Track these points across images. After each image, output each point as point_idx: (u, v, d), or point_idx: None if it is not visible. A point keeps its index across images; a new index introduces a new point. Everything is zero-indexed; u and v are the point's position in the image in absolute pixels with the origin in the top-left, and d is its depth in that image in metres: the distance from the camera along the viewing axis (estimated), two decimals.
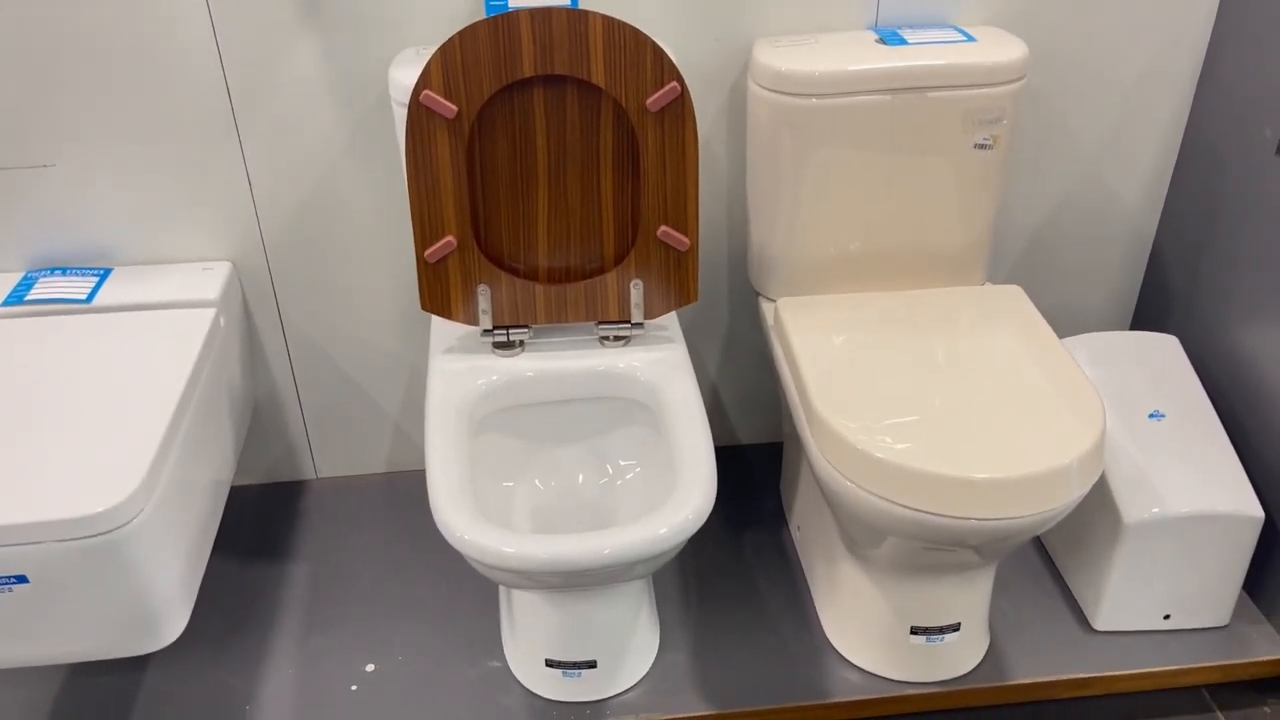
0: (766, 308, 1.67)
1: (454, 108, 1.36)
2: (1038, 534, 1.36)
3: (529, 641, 1.55)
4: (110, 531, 1.21)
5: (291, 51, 1.55)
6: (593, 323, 1.53)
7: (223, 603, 1.73)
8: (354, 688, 1.59)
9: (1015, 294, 1.63)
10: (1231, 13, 1.66)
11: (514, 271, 1.50)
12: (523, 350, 1.53)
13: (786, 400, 1.55)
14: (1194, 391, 1.68)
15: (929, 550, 1.41)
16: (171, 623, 1.34)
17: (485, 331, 1.52)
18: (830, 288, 1.65)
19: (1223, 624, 1.64)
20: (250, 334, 1.79)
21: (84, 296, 1.60)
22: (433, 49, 1.48)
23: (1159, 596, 1.60)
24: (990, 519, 1.28)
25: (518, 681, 1.58)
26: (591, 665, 1.52)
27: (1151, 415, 1.64)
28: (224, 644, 1.66)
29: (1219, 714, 1.58)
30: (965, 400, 1.39)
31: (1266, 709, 1.59)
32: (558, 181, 1.45)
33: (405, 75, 1.44)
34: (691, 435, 1.37)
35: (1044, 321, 1.55)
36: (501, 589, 1.71)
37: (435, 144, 1.38)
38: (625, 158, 1.44)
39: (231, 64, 1.55)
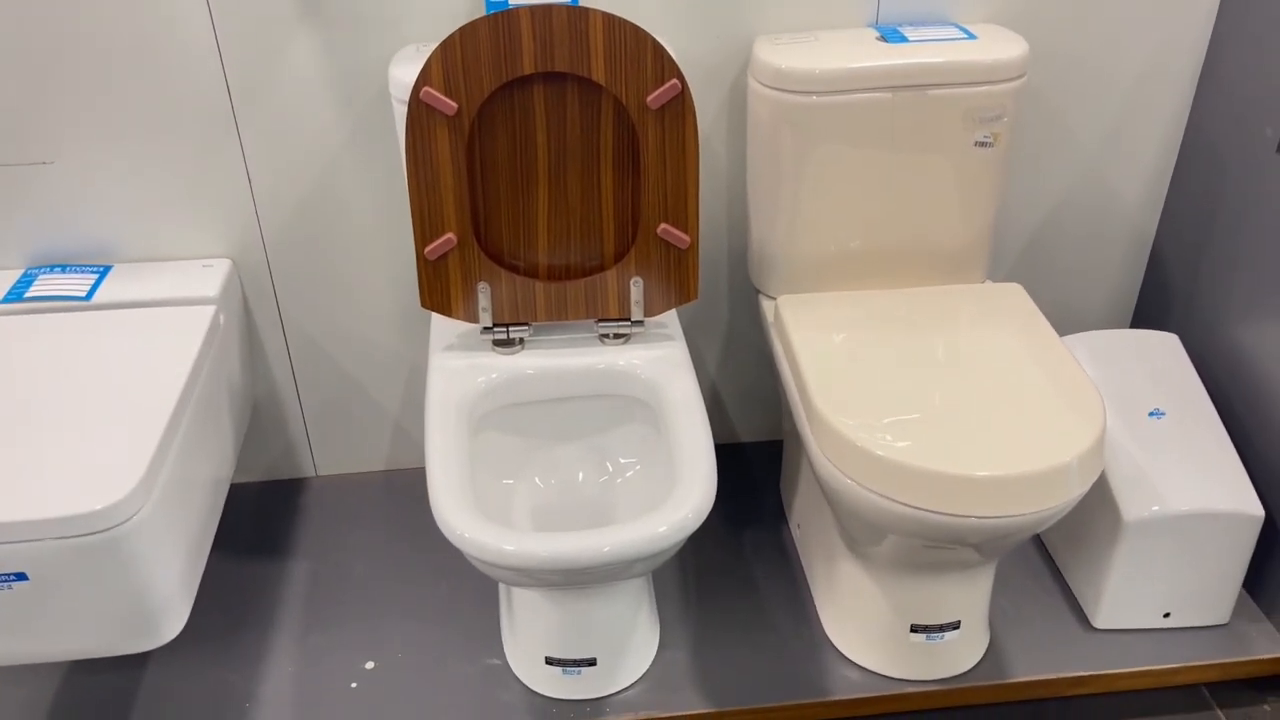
0: (767, 305, 1.67)
1: (454, 105, 1.36)
2: (1038, 532, 1.35)
3: (529, 639, 1.55)
4: (110, 529, 1.21)
5: (291, 48, 1.55)
6: (593, 320, 1.53)
7: (222, 600, 1.73)
8: (354, 685, 1.59)
9: (1016, 292, 1.63)
10: (1231, 12, 1.66)
11: (514, 269, 1.50)
12: (523, 348, 1.53)
13: (786, 398, 1.55)
14: (1194, 389, 1.68)
15: (929, 548, 1.41)
16: (171, 620, 1.34)
17: (485, 329, 1.52)
18: (830, 285, 1.65)
19: (1223, 622, 1.64)
20: (250, 331, 1.79)
21: (83, 294, 1.60)
22: (433, 46, 1.48)
23: (1159, 595, 1.60)
24: (990, 517, 1.28)
25: (517, 679, 1.58)
26: (591, 663, 1.52)
27: (1152, 413, 1.64)
28: (224, 642, 1.66)
29: (1219, 712, 1.58)
30: (965, 398, 1.39)
31: (1266, 707, 1.59)
32: (558, 179, 1.45)
33: (405, 72, 1.44)
34: (691, 433, 1.37)
35: (1044, 319, 1.55)
36: (501, 587, 1.71)
37: (435, 141, 1.38)
38: (625, 155, 1.44)
39: (231, 61, 1.55)
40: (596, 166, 1.44)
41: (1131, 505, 1.53)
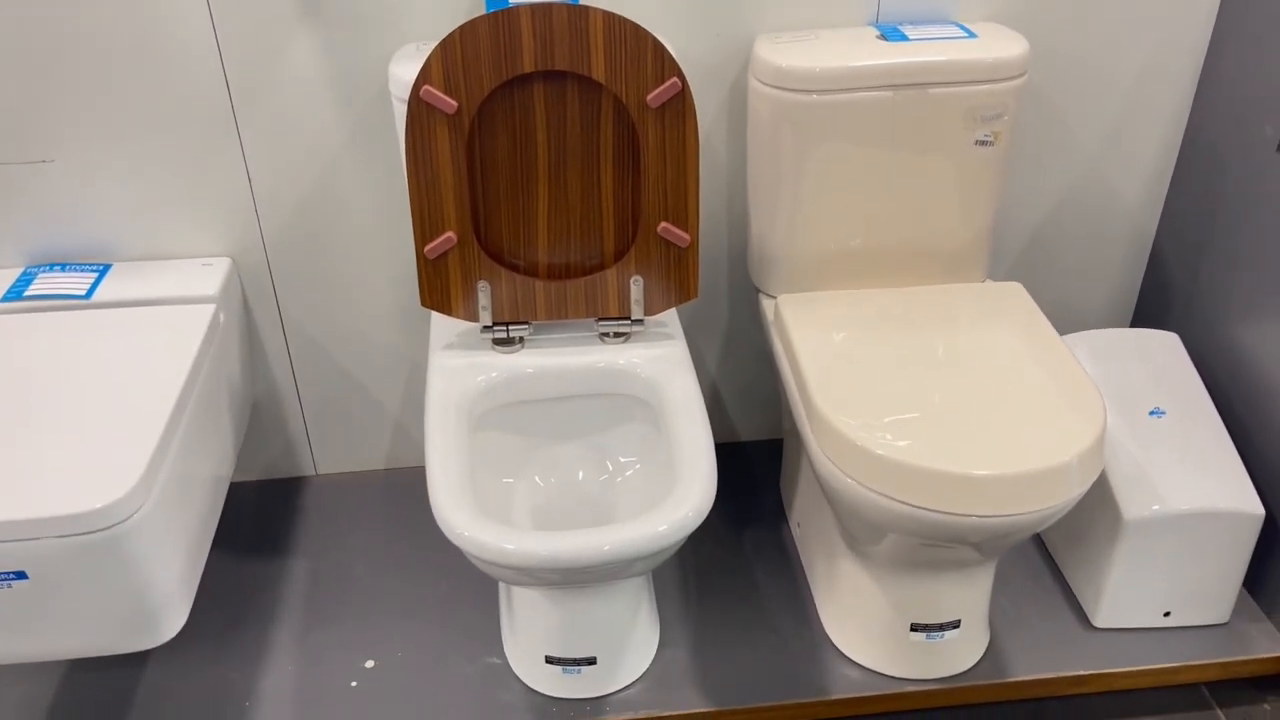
0: (767, 304, 1.67)
1: (454, 103, 1.36)
2: (1038, 531, 1.36)
3: (529, 638, 1.55)
4: (109, 527, 1.21)
5: (291, 47, 1.55)
6: (593, 319, 1.53)
7: (222, 599, 1.73)
8: (353, 684, 1.59)
9: (1016, 291, 1.63)
10: (1231, 12, 1.66)
11: (514, 268, 1.50)
12: (523, 347, 1.53)
13: (787, 397, 1.55)
14: (1194, 388, 1.68)
15: (929, 547, 1.41)
16: (171, 619, 1.34)
17: (485, 328, 1.52)
18: (831, 284, 1.65)
19: (1223, 621, 1.64)
20: (249, 330, 1.79)
21: (83, 292, 1.60)
22: (433, 44, 1.48)
23: (1159, 593, 1.60)
24: (990, 516, 1.28)
25: (517, 678, 1.58)
26: (591, 662, 1.52)
27: (1152, 412, 1.64)
28: (224, 640, 1.66)
29: (1219, 711, 1.58)
30: (966, 397, 1.39)
31: (1266, 706, 1.59)
32: (558, 177, 1.45)
33: (405, 71, 1.44)
34: (691, 432, 1.37)
35: (1044, 318, 1.55)
36: (501, 586, 1.71)
37: (435, 140, 1.38)
38: (626, 154, 1.44)
39: (231, 60, 1.55)
40: (597, 165, 1.44)
41: (1132, 504, 1.53)
